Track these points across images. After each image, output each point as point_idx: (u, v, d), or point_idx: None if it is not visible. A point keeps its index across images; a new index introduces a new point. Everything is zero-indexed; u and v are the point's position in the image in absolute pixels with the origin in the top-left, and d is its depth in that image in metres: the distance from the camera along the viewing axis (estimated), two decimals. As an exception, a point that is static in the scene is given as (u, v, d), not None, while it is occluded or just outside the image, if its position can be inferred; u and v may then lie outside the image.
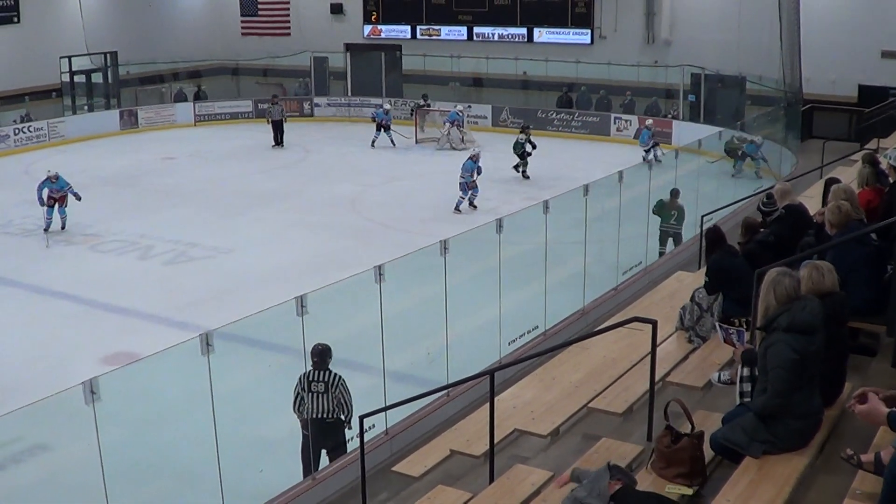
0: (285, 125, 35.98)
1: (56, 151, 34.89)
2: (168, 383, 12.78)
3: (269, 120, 35.77)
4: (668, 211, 20.23)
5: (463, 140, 34.22)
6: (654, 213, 19.77)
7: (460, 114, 34.94)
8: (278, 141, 35.60)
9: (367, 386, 12.33)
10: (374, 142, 35.04)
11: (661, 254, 19.86)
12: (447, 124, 34.77)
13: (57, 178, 24.37)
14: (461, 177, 25.80)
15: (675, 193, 20.30)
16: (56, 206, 24.54)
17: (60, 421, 11.38)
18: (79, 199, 24.51)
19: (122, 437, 11.22)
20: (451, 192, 27.76)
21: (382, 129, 35.07)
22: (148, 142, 36.72)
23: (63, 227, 24.66)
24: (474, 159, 26.00)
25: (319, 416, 11.31)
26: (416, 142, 35.57)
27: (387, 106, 36.49)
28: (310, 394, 11.28)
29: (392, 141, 35.11)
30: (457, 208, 25.86)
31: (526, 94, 38.99)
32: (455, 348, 13.19)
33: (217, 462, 9.85)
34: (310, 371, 11.34)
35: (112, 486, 8.97)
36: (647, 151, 29.60)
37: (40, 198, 24.29)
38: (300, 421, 11.47)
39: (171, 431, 12.80)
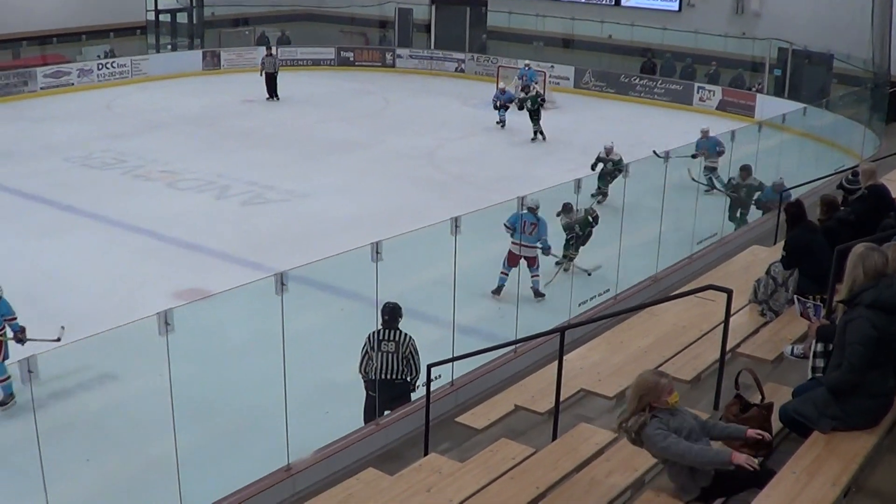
0: (278, 77, 34.67)
1: (138, 88, 35.48)
2: (239, 321, 12.95)
3: (262, 72, 34.65)
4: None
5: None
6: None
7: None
8: (272, 94, 34.67)
9: (435, 337, 12.39)
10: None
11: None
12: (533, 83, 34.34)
13: None
14: None
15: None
16: None
17: (129, 352, 11.55)
18: (21, 341, 12.42)
19: (189, 371, 11.32)
20: (527, 149, 27.78)
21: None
22: (229, 84, 37.01)
23: (3, 402, 12.43)
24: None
25: (387, 376, 11.20)
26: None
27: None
28: (379, 353, 11.18)
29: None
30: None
31: (610, 58, 38.58)
32: (525, 306, 13.20)
33: (284, 401, 9.95)
34: (379, 330, 11.25)
35: (177, 419, 9.11)
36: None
37: None
38: (365, 382, 11.38)
39: (239, 368, 12.96)
